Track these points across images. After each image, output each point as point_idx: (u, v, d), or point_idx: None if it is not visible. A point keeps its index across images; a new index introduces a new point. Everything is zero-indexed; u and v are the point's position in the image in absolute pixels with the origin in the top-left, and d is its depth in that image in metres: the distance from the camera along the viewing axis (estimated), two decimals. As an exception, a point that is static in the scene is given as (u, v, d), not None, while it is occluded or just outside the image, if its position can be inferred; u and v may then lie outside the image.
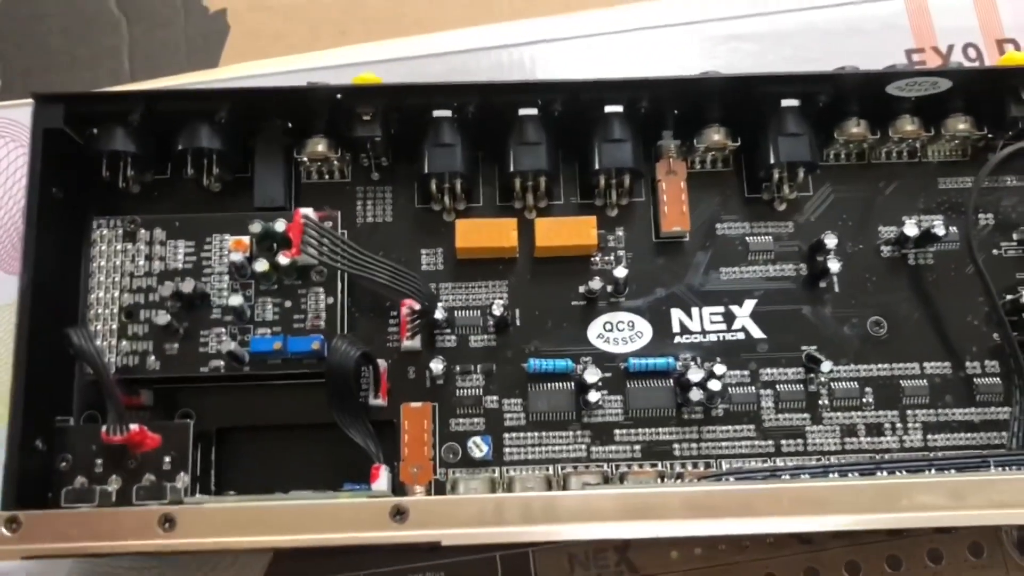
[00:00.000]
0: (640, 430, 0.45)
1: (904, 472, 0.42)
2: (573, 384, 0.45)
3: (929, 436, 0.45)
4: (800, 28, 0.54)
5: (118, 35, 0.66)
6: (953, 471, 0.41)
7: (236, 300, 0.43)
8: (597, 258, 0.47)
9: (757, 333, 0.46)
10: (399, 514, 0.39)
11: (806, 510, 0.39)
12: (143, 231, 0.44)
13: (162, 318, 0.42)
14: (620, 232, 0.48)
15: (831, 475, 0.42)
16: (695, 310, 0.47)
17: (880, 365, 0.46)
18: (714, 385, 0.44)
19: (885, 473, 0.42)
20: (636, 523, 0.39)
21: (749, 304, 0.47)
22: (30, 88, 0.65)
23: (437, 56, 0.56)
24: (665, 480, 0.43)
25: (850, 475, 0.42)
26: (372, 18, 0.65)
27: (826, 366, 0.45)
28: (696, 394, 0.44)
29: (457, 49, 0.56)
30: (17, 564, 0.46)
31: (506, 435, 0.45)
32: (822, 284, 0.47)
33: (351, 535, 0.38)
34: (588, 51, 0.55)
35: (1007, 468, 0.41)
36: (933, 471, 0.41)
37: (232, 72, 0.59)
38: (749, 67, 0.53)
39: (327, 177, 0.48)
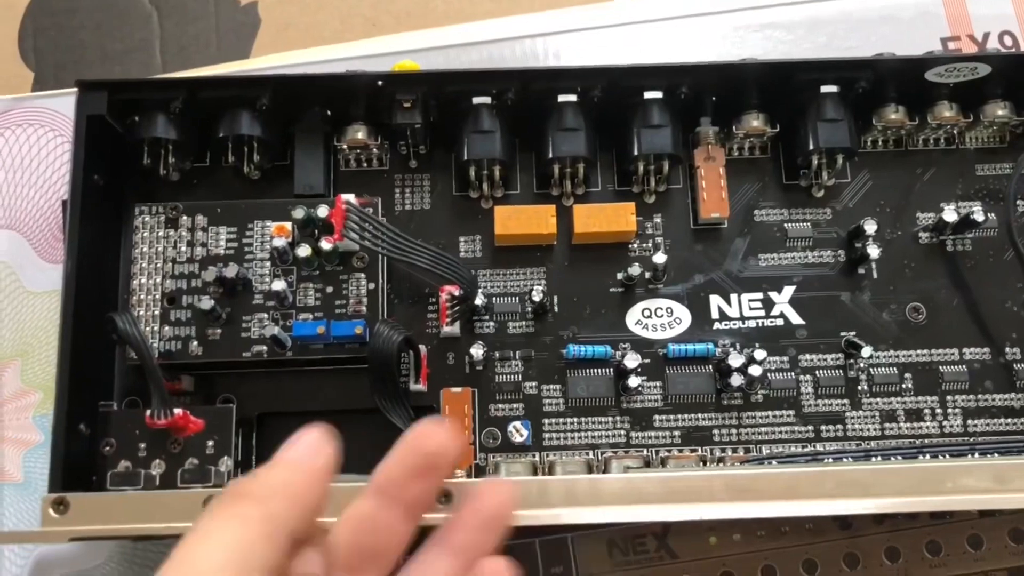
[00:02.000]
0: (679, 415, 0.45)
1: (947, 456, 0.42)
2: (612, 370, 0.45)
3: (969, 421, 0.45)
4: (834, 16, 0.54)
5: (149, 28, 0.67)
6: (996, 455, 0.41)
7: (279, 285, 0.43)
8: (635, 244, 0.47)
9: (796, 319, 0.46)
10: (444, 496, 0.39)
11: (850, 493, 0.38)
12: (185, 217, 0.45)
13: (205, 303, 0.43)
14: (658, 219, 0.48)
15: (874, 459, 0.42)
16: (734, 296, 0.47)
17: (919, 351, 0.46)
18: (754, 370, 0.44)
19: (928, 456, 0.42)
20: (680, 506, 0.38)
21: (788, 290, 0.47)
22: (62, 81, 0.66)
23: (470, 45, 0.56)
24: (707, 464, 0.43)
25: (893, 459, 0.41)
26: (402, 11, 0.65)
27: (866, 351, 0.45)
28: (736, 379, 0.44)
29: (490, 39, 0.56)
30: (61, 545, 0.46)
31: (545, 420, 0.45)
32: (861, 270, 0.47)
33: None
34: (621, 40, 0.55)
35: (1051, 452, 0.41)
36: (976, 455, 0.41)
37: (263, 63, 0.59)
38: (783, 55, 0.53)
39: (365, 165, 0.48)
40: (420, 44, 0.57)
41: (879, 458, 0.41)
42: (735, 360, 0.44)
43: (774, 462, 0.41)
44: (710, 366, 0.45)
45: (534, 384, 0.46)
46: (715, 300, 0.47)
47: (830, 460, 0.41)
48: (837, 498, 0.38)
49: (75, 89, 0.45)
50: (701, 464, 0.43)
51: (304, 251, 0.43)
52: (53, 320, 0.48)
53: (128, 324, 0.41)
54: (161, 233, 0.45)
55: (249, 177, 0.47)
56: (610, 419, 0.45)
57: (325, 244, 0.43)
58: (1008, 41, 0.53)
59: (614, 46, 0.55)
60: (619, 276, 0.46)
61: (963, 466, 0.39)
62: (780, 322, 0.46)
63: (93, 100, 0.44)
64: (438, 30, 0.59)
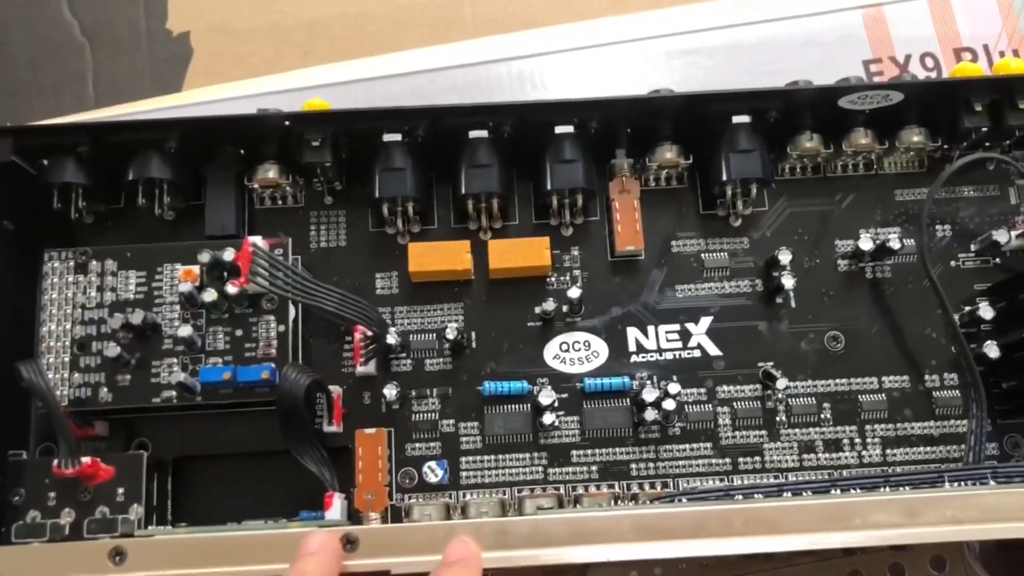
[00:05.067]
0: (597, 450, 0.45)
1: (859, 490, 0.41)
2: (529, 406, 0.45)
3: (888, 451, 0.45)
4: (758, 41, 0.54)
5: (82, 60, 0.66)
6: (908, 488, 0.41)
7: (186, 331, 0.43)
8: (552, 278, 0.47)
9: (713, 350, 0.46)
10: (349, 543, 0.39)
11: (759, 530, 0.38)
12: (95, 262, 0.44)
13: (112, 350, 0.42)
14: (575, 251, 0.47)
15: (785, 494, 0.41)
16: (651, 328, 0.46)
17: (838, 380, 0.46)
18: (668, 404, 0.44)
19: (839, 491, 0.41)
20: (587, 547, 0.38)
21: (705, 321, 0.46)
22: (-3, 116, 0.65)
23: (398, 76, 0.56)
24: (620, 501, 0.43)
25: (804, 494, 0.41)
26: (335, 38, 0.65)
27: (781, 383, 0.44)
28: (651, 414, 0.44)
29: (417, 69, 0.56)
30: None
31: (463, 459, 0.45)
32: (778, 300, 0.47)
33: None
34: (548, 68, 0.55)
35: (963, 483, 0.40)
36: (888, 488, 0.41)
37: (195, 97, 0.59)
38: (704, 81, 0.53)
39: (280, 203, 0.48)
40: (350, 76, 0.57)
41: (790, 494, 0.41)
42: (649, 394, 0.44)
43: (684, 499, 0.41)
44: (627, 399, 0.45)
45: (451, 422, 0.45)
46: (632, 332, 0.46)
47: (740, 496, 0.41)
48: (745, 535, 0.38)
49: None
50: (614, 501, 0.43)
51: (210, 296, 0.43)
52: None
53: (33, 374, 0.41)
54: (71, 279, 0.44)
55: (163, 218, 0.47)
56: (527, 455, 0.45)
57: (231, 288, 0.43)
58: (930, 62, 0.53)
59: (542, 73, 0.55)
60: (536, 310, 0.46)
61: (873, 501, 0.39)
62: (697, 353, 0.46)
63: (-1, 146, 0.44)
64: (368, 60, 0.59)
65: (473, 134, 0.45)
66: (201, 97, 0.59)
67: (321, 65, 0.61)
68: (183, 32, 0.66)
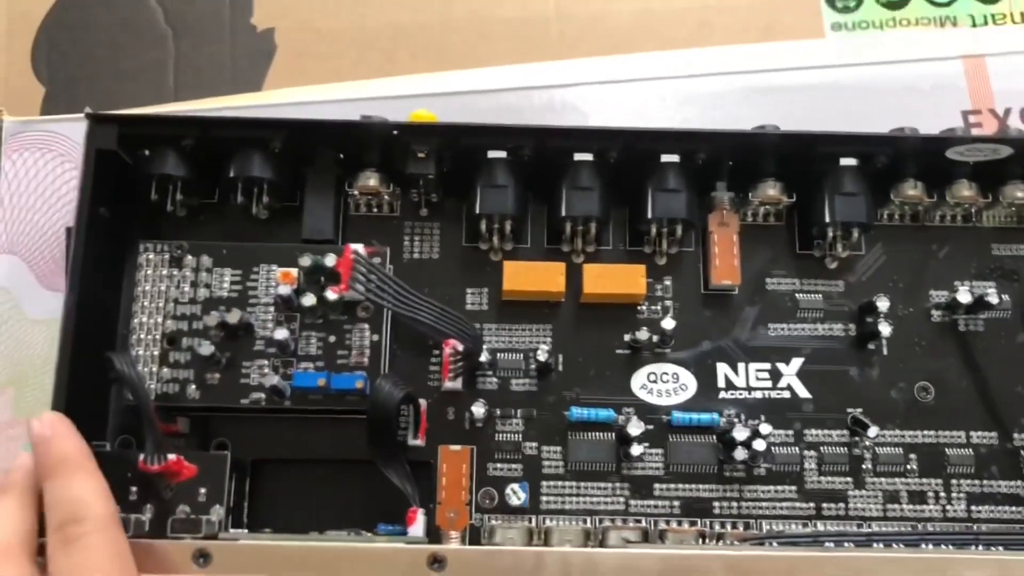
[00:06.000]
0: (680, 485, 0.45)
1: (950, 546, 0.41)
2: (614, 435, 0.45)
3: (973, 507, 0.45)
4: (854, 83, 0.53)
5: (164, 49, 0.66)
6: (1000, 548, 0.40)
7: (281, 333, 0.42)
8: (644, 307, 0.47)
9: (803, 392, 0.46)
10: (436, 562, 0.38)
11: (851, 580, 0.38)
12: (190, 257, 0.44)
13: (206, 348, 0.42)
14: (668, 281, 0.47)
15: (875, 544, 0.41)
16: (741, 365, 0.46)
17: (926, 432, 0.45)
18: (759, 445, 0.43)
19: (930, 546, 0.41)
20: (677, 585, 0.38)
21: (796, 362, 0.46)
22: (75, 97, 0.65)
23: (487, 93, 0.56)
24: (706, 540, 0.42)
25: (894, 545, 0.41)
26: (420, 47, 0.65)
27: (872, 431, 0.44)
28: (740, 453, 0.43)
29: (507, 86, 0.56)
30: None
31: (544, 483, 0.44)
32: (871, 346, 0.46)
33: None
34: (640, 94, 0.55)
35: (1055, 547, 0.40)
36: (980, 547, 0.41)
37: (278, 97, 0.59)
38: (800, 120, 0.52)
39: (376, 211, 0.47)
40: (435, 88, 0.56)
41: (880, 544, 0.41)
42: (740, 433, 0.43)
43: (774, 542, 0.40)
44: (714, 436, 0.45)
45: (534, 445, 0.45)
46: (722, 368, 0.46)
47: (831, 543, 0.40)
48: (837, 584, 0.38)
49: (83, 115, 0.44)
50: (700, 539, 0.42)
51: (309, 300, 0.42)
52: (50, 349, 0.47)
53: (126, 365, 0.41)
54: (165, 272, 0.44)
55: (257, 217, 0.47)
56: (610, 485, 0.44)
57: (331, 294, 0.42)
58: (1029, 118, 0.53)
59: (632, 99, 0.54)
60: (626, 338, 0.46)
61: (967, 558, 0.39)
62: (787, 394, 0.46)
63: (103, 133, 0.44)
64: (454, 73, 0.58)
65: (578, 156, 0.45)
66: (284, 98, 0.58)
67: (405, 75, 0.61)
68: (268, 28, 0.66)
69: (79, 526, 0.36)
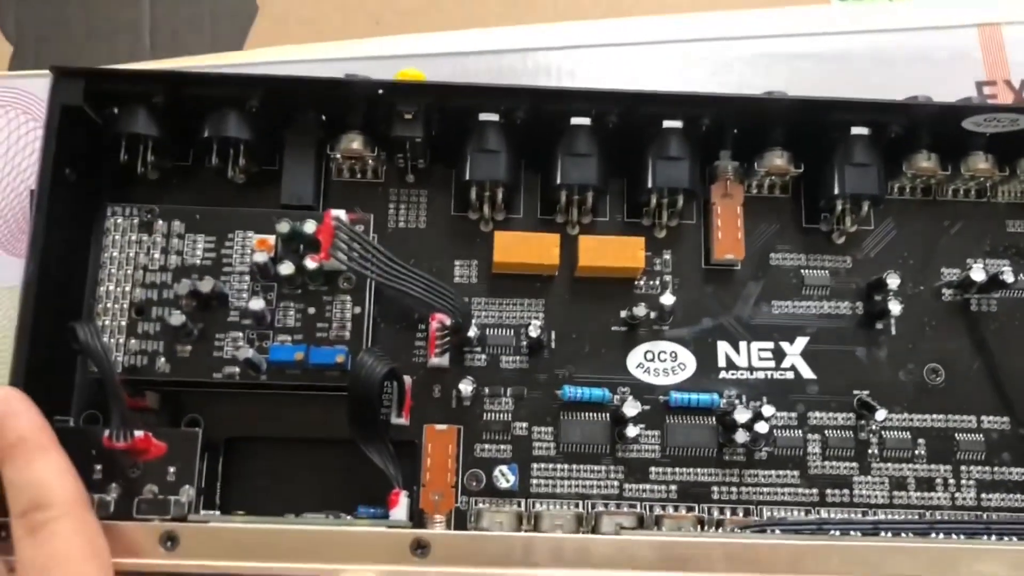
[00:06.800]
0: (678, 469, 0.42)
1: (960, 536, 0.39)
2: (609, 416, 0.42)
3: (983, 495, 0.43)
4: (866, 51, 0.51)
5: (139, 7, 0.63)
6: (1015, 538, 0.38)
7: (257, 304, 0.40)
8: (642, 281, 0.44)
9: (807, 373, 0.44)
10: (420, 548, 0.36)
11: (858, 570, 0.36)
12: (160, 222, 0.41)
13: (176, 318, 0.39)
14: (667, 255, 0.45)
15: (883, 533, 0.39)
16: (743, 344, 0.44)
17: (935, 416, 0.43)
18: (761, 427, 0.41)
19: (940, 535, 0.39)
20: (674, 574, 0.36)
21: (801, 342, 0.44)
22: (43, 56, 0.62)
23: (479, 54, 0.53)
24: (704, 526, 0.40)
25: (903, 534, 0.39)
26: (408, 9, 0.62)
27: (880, 414, 0.42)
28: (741, 436, 0.41)
29: (500, 48, 0.53)
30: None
31: (534, 465, 0.42)
32: (879, 325, 0.44)
33: (367, 567, 0.36)
34: (640, 59, 0.52)
35: (1072, 538, 0.38)
36: (992, 537, 0.39)
37: (259, 56, 0.56)
38: (808, 89, 0.50)
39: (359, 176, 0.45)
40: (425, 49, 0.54)
41: (888, 533, 0.39)
42: (741, 415, 0.41)
43: (776, 530, 0.38)
44: (713, 418, 0.43)
45: (524, 425, 0.43)
46: (723, 347, 0.44)
47: (836, 532, 0.38)
48: (844, 574, 0.36)
49: (48, 70, 0.41)
50: (698, 526, 0.40)
51: (287, 268, 0.40)
52: (11, 320, 0.44)
53: (90, 335, 0.38)
54: (134, 237, 0.41)
55: (233, 181, 0.44)
56: (604, 468, 0.42)
57: (310, 263, 0.40)
58: (1046, 89, 0.51)
59: (632, 65, 0.52)
60: (623, 314, 0.43)
61: (979, 549, 0.37)
62: (790, 375, 0.44)
63: (69, 88, 0.41)
64: (445, 34, 0.55)
65: (575, 121, 0.42)
66: (267, 57, 0.55)
67: (393, 35, 0.58)
68: (249, -13, 0.63)
69: (43, 512, 0.34)
